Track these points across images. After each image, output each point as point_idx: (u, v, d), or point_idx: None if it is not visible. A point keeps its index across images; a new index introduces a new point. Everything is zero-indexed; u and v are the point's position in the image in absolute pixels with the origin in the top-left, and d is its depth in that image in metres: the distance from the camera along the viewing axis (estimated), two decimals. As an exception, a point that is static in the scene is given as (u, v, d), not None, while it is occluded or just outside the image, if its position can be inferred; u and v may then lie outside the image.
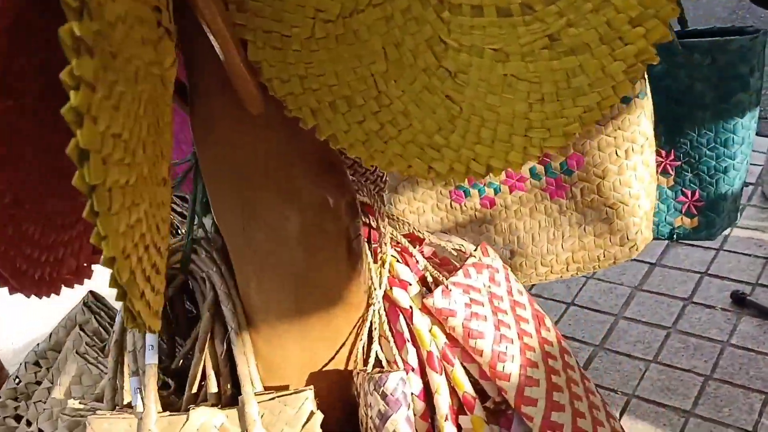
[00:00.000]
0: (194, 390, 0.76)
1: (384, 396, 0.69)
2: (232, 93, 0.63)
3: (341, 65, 0.59)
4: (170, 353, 0.87)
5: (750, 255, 2.33)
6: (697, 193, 1.22)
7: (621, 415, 1.86)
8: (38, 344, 1.00)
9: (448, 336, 0.76)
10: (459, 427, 0.79)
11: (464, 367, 0.78)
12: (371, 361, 0.73)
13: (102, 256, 0.37)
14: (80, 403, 0.79)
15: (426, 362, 0.75)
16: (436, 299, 0.75)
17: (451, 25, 0.55)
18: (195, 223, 0.78)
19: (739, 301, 2.13)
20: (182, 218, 0.85)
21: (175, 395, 0.80)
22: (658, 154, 1.21)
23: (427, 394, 0.77)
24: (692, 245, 2.38)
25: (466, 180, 0.62)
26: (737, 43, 1.12)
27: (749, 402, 1.84)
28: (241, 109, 0.64)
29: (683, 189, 1.23)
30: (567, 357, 0.79)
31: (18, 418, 0.98)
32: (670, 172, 1.23)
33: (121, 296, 0.40)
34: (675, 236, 1.33)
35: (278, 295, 0.72)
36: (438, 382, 0.74)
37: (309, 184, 0.69)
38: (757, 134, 2.91)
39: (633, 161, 1.11)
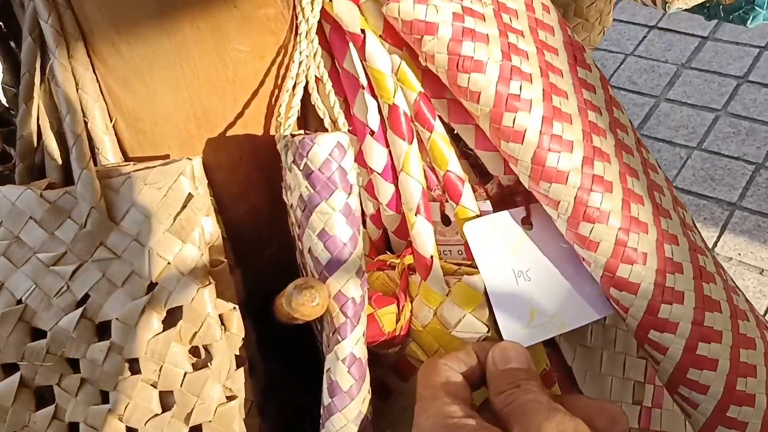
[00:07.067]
0: (33, 160, 0.47)
1: (308, 173, 0.39)
2: None
3: None
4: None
5: (821, 27, 1.91)
6: None
7: (655, 206, 1.58)
8: None
9: (426, 75, 0.44)
10: (444, 219, 0.51)
11: (452, 132, 0.47)
12: (294, 113, 0.42)
13: None
14: None
15: (388, 122, 0.44)
16: (405, 3, 0.42)
17: None
18: None
19: (805, 79, 1.76)
20: None
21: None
22: None
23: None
24: (753, 16, 1.97)
25: None
26: None
27: (806, 194, 1.54)
28: None
29: None
30: (617, 112, 0.48)
31: None
32: None
33: None
34: (707, 13, 0.97)
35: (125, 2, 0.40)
36: (405, 154, 0.44)
37: None
38: None
39: None
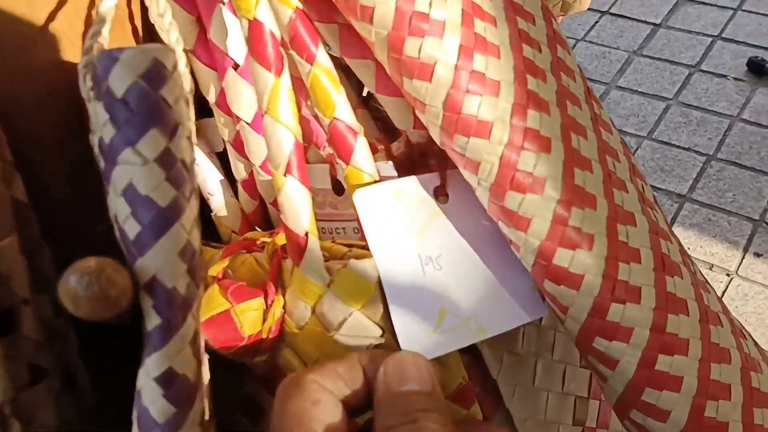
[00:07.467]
0: None
1: (109, 104, 0.27)
2: None
3: None
4: None
5: (774, 17, 1.85)
6: None
7: (603, 197, 1.49)
8: None
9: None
10: (336, 187, 0.39)
11: (342, 63, 0.35)
12: (100, 19, 0.29)
13: None
14: None
15: (248, 45, 0.32)
16: None
17: None
18: None
19: (757, 68, 1.69)
20: None
21: None
22: None
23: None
24: (705, 3, 1.90)
25: None
26: None
27: (758, 187, 1.46)
28: None
29: None
30: (562, 51, 0.36)
31: None
32: None
33: None
34: None
35: None
36: (271, 89, 0.32)
37: None
38: None
39: None
